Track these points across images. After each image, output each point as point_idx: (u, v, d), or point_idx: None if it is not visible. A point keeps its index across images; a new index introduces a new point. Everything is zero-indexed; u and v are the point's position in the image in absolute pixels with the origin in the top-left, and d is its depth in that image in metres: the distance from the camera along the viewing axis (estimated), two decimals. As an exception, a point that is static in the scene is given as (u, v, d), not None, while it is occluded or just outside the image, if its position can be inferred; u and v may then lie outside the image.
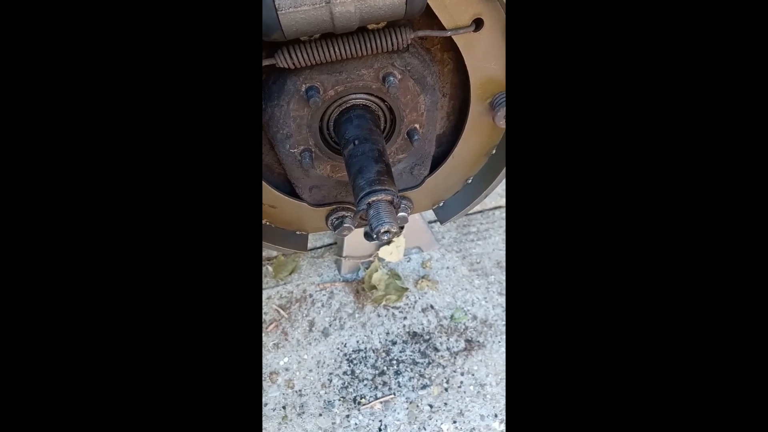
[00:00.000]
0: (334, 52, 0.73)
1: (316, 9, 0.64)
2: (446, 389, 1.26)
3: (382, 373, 1.31)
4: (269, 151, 0.94)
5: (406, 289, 1.45)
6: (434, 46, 0.87)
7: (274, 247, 1.03)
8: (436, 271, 1.52)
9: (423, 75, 0.83)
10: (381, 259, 1.52)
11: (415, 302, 1.44)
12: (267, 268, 1.59)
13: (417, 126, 0.90)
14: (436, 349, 1.34)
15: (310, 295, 1.52)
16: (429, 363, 1.31)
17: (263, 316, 1.48)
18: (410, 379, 1.29)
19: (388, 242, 1.44)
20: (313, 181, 0.97)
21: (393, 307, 1.44)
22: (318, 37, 0.73)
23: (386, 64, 0.79)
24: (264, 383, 1.35)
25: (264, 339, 1.43)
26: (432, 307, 1.43)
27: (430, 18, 0.78)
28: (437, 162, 1.03)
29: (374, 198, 0.73)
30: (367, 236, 1.07)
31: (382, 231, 0.71)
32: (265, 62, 0.74)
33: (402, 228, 1.44)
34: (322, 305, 1.48)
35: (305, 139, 0.86)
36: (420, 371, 1.30)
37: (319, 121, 0.86)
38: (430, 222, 1.63)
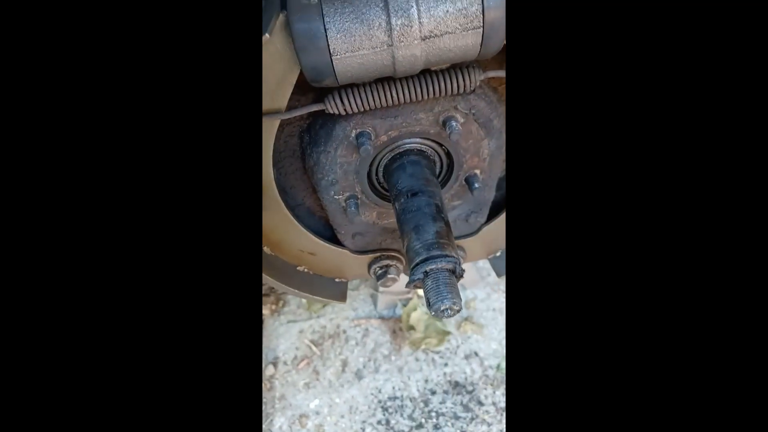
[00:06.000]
0: (391, 97, 0.64)
1: (377, 53, 0.55)
2: (491, 450, 1.15)
3: (420, 426, 1.21)
4: (311, 194, 0.86)
5: (449, 333, 1.34)
6: (502, 84, 0.76)
7: (312, 298, 0.94)
8: (480, 312, 1.41)
9: (489, 118, 0.73)
10: (420, 297, 1.41)
11: (458, 347, 1.33)
12: (300, 299, 1.51)
13: (477, 172, 0.79)
14: (481, 403, 1.22)
15: (344, 331, 1.43)
16: (472, 419, 1.20)
17: (295, 351, 1.40)
18: (451, 435, 1.18)
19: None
20: (356, 227, 0.88)
21: (433, 351, 1.33)
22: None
23: (448, 108, 0.69)
24: (293, 426, 1.27)
25: (295, 377, 1.35)
26: (476, 354, 1.32)
27: (499, 54, 0.68)
28: (496, 208, 0.92)
29: (433, 266, 0.63)
30: (409, 285, 0.97)
31: (442, 309, 0.60)
32: (314, 107, 0.65)
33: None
34: (356, 343, 1.39)
35: (351, 185, 0.77)
36: (462, 427, 1.19)
37: (368, 167, 0.77)
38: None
